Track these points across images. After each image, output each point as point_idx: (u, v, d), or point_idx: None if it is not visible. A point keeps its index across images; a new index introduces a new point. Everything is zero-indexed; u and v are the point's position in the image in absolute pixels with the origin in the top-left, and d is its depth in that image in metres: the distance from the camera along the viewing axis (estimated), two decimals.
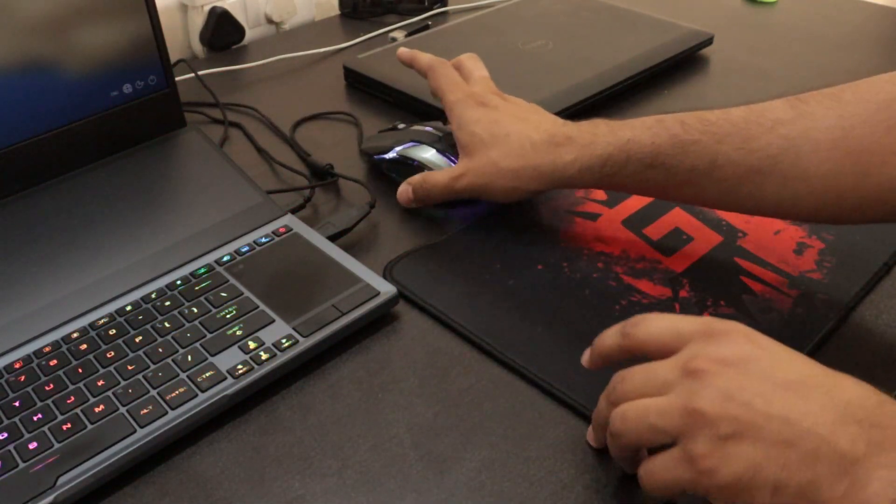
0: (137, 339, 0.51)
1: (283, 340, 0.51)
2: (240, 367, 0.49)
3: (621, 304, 0.54)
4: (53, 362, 0.50)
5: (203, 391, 0.47)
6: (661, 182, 0.54)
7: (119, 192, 0.63)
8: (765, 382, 0.36)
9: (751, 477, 0.35)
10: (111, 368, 0.49)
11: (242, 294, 0.54)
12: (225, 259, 0.57)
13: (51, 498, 0.42)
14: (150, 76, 0.67)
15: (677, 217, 0.62)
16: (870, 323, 0.53)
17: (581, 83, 0.77)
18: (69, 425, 0.46)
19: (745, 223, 0.61)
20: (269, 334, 0.51)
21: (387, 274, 0.57)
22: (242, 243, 0.59)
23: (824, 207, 0.50)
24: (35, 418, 0.46)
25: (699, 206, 0.59)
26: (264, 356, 0.50)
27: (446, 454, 0.46)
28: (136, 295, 0.55)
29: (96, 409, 0.47)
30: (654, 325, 0.41)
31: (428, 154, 0.65)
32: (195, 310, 0.53)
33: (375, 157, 0.68)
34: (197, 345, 0.51)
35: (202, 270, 0.56)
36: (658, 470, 0.38)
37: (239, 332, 0.51)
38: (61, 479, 0.43)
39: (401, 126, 0.69)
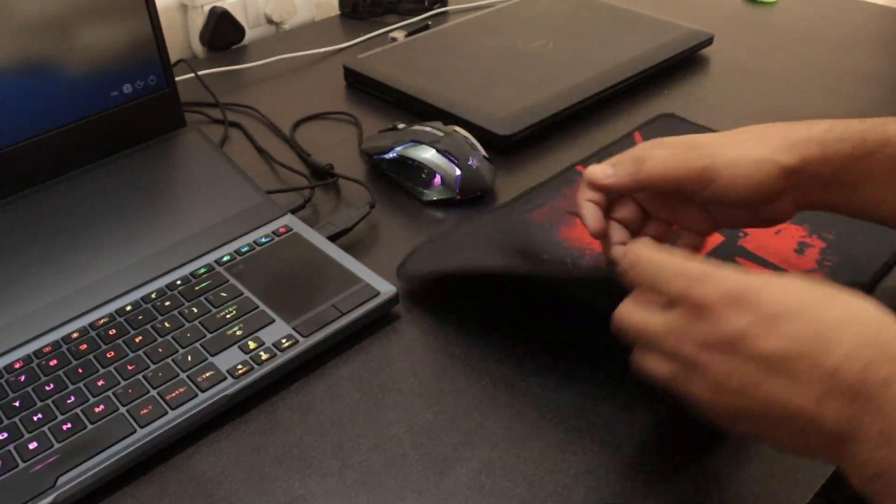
0: (137, 339, 0.51)
1: (283, 340, 0.51)
2: (240, 367, 0.49)
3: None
4: (53, 362, 0.50)
5: (203, 391, 0.47)
6: None
7: (119, 192, 0.63)
8: (751, 365, 0.36)
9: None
10: (111, 368, 0.49)
11: (242, 294, 0.54)
12: (225, 259, 0.57)
13: (51, 498, 0.42)
14: (150, 76, 0.67)
15: None
16: None
17: (581, 83, 0.77)
18: (69, 425, 0.46)
19: None
20: (269, 334, 0.51)
21: (405, 262, 0.58)
22: (242, 243, 0.59)
23: None
24: (35, 418, 0.46)
25: None
26: (264, 356, 0.49)
27: (446, 454, 0.46)
28: (136, 295, 0.55)
29: (96, 409, 0.47)
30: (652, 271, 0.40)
31: (428, 154, 0.65)
32: (195, 310, 0.53)
33: (375, 157, 0.68)
34: (197, 345, 0.51)
35: (202, 270, 0.56)
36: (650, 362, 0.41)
37: (239, 332, 0.51)
38: (61, 479, 0.43)
39: (401, 126, 0.69)
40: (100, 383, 0.48)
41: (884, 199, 0.48)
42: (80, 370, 0.49)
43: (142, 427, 0.46)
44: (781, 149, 0.47)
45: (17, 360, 0.50)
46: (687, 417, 0.42)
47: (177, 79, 0.70)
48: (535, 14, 0.92)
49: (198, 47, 0.93)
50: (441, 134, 0.66)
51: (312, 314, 0.52)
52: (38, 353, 0.51)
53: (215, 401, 0.47)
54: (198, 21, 0.91)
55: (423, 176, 0.65)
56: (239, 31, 0.93)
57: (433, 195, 0.66)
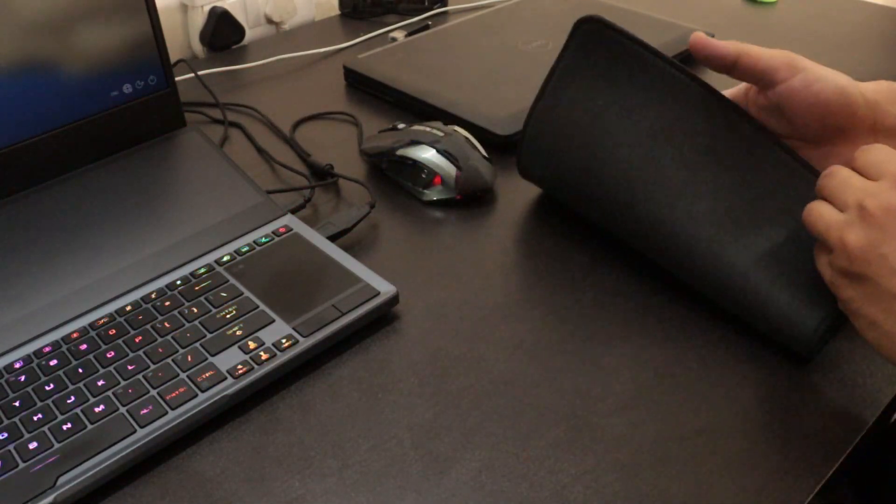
0: (137, 339, 0.51)
1: (283, 340, 0.51)
2: (240, 367, 0.49)
3: None
4: (53, 362, 0.50)
5: (203, 391, 0.47)
6: None
7: (119, 192, 0.63)
8: None
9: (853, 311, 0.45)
10: (111, 368, 0.49)
11: (242, 294, 0.54)
12: (225, 259, 0.57)
13: (51, 498, 0.42)
14: (150, 76, 0.67)
15: None
16: None
17: None
18: (69, 425, 0.46)
19: None
20: (269, 334, 0.51)
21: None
22: (242, 243, 0.59)
23: None
24: (35, 418, 0.46)
25: None
26: (264, 356, 0.50)
27: (446, 454, 0.46)
28: (136, 295, 0.55)
29: (96, 409, 0.47)
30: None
31: (428, 154, 0.65)
32: (195, 310, 0.53)
33: (375, 157, 0.68)
34: (197, 345, 0.51)
35: (202, 270, 0.56)
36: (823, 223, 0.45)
37: (239, 332, 0.51)
38: (61, 479, 0.43)
39: (401, 126, 0.69)
40: (100, 383, 0.48)
41: None
42: (80, 370, 0.49)
43: (142, 427, 0.46)
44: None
45: (17, 360, 0.50)
46: (688, 419, 0.42)
47: (177, 79, 0.70)
48: (535, 14, 0.92)
49: (198, 47, 0.93)
50: (441, 134, 0.66)
51: (312, 314, 0.52)
52: (38, 353, 0.51)
53: (215, 401, 0.47)
54: (198, 21, 0.91)
55: (423, 176, 0.65)
56: (239, 31, 0.93)
57: (433, 195, 0.66)
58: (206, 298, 0.54)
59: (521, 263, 0.59)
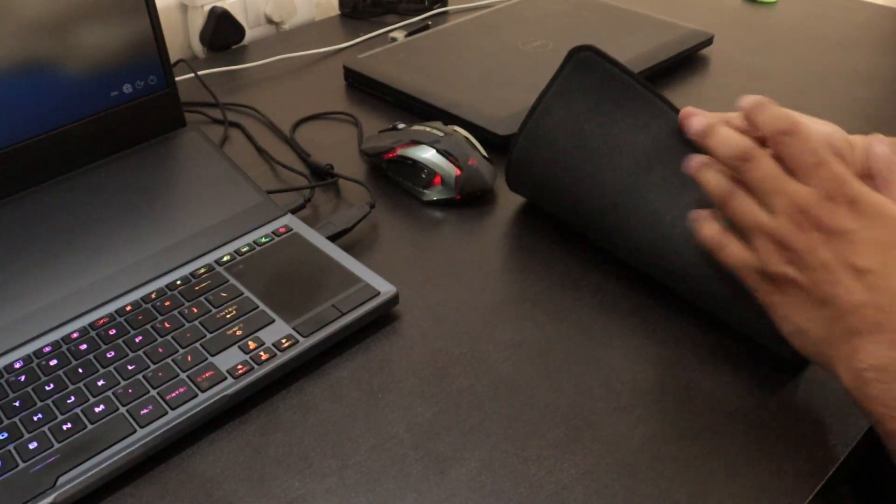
0: (137, 339, 0.51)
1: (283, 340, 0.51)
2: (240, 367, 0.49)
3: None
4: (53, 362, 0.50)
5: (203, 391, 0.47)
6: None
7: (119, 192, 0.63)
8: (841, 265, 0.42)
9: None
10: (111, 368, 0.49)
11: (242, 294, 0.54)
12: (225, 259, 0.57)
13: (51, 498, 0.42)
14: (150, 76, 0.67)
15: None
16: None
17: None
18: (69, 425, 0.46)
19: None
20: (269, 334, 0.51)
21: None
22: (242, 243, 0.59)
23: None
24: (35, 418, 0.46)
25: None
26: (264, 356, 0.50)
27: (446, 454, 0.46)
28: (136, 295, 0.55)
29: (96, 409, 0.47)
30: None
31: (428, 154, 0.65)
32: (195, 310, 0.53)
33: (375, 157, 0.68)
34: (197, 345, 0.51)
35: (202, 270, 0.56)
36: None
37: (239, 332, 0.51)
38: (61, 479, 0.43)
39: (401, 126, 0.69)
40: (100, 383, 0.48)
41: None
42: (80, 370, 0.49)
43: (142, 427, 0.46)
44: None
45: (17, 360, 0.50)
46: (687, 418, 0.42)
47: (177, 79, 0.70)
48: (535, 14, 0.92)
49: (198, 47, 0.93)
50: (441, 134, 0.66)
51: (312, 314, 0.52)
52: (38, 353, 0.51)
53: (215, 401, 0.47)
54: (198, 21, 0.91)
55: (423, 176, 0.65)
56: (239, 31, 0.93)
57: (433, 195, 0.66)
58: (206, 298, 0.54)
59: (520, 263, 0.59)
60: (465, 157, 0.64)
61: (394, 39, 0.93)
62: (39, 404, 0.47)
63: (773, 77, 0.84)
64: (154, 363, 0.49)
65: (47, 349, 0.51)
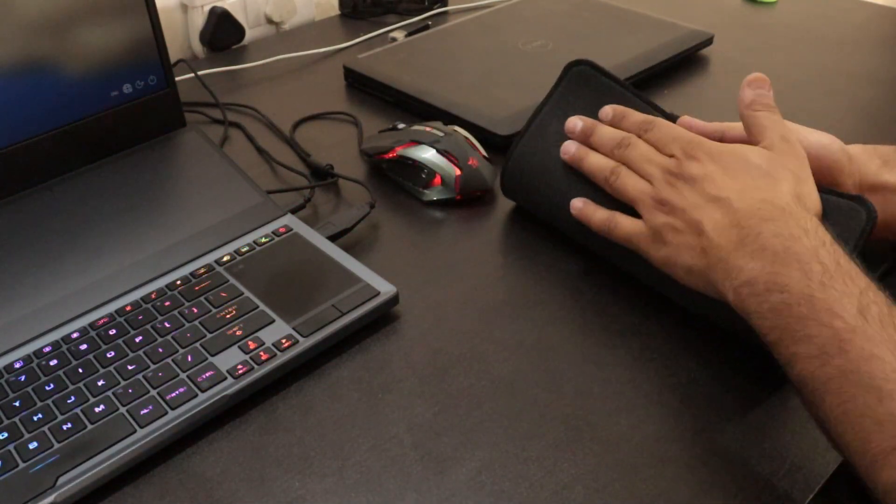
0: (137, 339, 0.51)
1: (283, 340, 0.51)
2: (240, 367, 0.49)
3: None
4: (53, 362, 0.50)
5: (203, 391, 0.47)
6: None
7: (119, 192, 0.63)
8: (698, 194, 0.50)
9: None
10: (111, 368, 0.49)
11: (242, 294, 0.54)
12: (225, 259, 0.57)
13: (51, 498, 0.42)
14: (150, 76, 0.67)
15: None
16: None
17: None
18: (69, 425, 0.46)
19: None
20: (269, 334, 0.51)
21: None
22: (242, 243, 0.59)
23: None
24: (35, 418, 0.46)
25: None
26: (264, 356, 0.49)
27: (446, 454, 0.46)
28: (136, 295, 0.55)
29: (96, 409, 0.47)
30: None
31: (428, 154, 0.65)
32: (195, 310, 0.53)
33: (375, 157, 0.68)
34: (197, 345, 0.51)
35: (202, 270, 0.56)
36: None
37: (239, 332, 0.51)
38: (61, 479, 0.43)
39: (401, 126, 0.69)
40: (100, 383, 0.48)
41: None
42: (81, 370, 0.49)
43: (142, 427, 0.46)
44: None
45: (17, 360, 0.50)
46: (687, 419, 0.42)
47: (177, 79, 0.70)
48: (535, 14, 0.92)
49: (198, 47, 0.93)
50: (441, 134, 0.66)
51: (312, 314, 0.52)
52: (38, 353, 0.51)
53: (215, 401, 0.47)
54: (198, 21, 0.91)
55: (423, 176, 0.65)
56: (239, 31, 0.93)
57: (433, 195, 0.66)
58: (206, 298, 0.54)
59: (520, 263, 0.59)
60: (465, 157, 0.64)
61: (394, 39, 0.92)
62: (39, 404, 0.47)
63: (773, 77, 0.83)
64: (154, 363, 0.49)
65: (47, 349, 0.51)
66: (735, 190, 0.48)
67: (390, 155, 0.67)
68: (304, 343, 0.51)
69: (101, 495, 0.44)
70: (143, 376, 0.49)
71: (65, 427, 0.46)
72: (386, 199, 0.66)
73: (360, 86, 0.83)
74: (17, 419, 0.47)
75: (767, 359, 0.51)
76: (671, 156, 0.52)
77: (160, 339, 0.51)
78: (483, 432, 0.47)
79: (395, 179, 0.68)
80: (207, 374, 0.48)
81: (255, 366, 0.49)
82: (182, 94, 0.70)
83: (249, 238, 0.59)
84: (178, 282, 0.55)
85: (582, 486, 0.44)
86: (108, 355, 0.50)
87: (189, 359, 0.50)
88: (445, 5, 1.03)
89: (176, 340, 0.51)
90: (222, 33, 0.92)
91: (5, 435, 0.46)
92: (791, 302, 0.43)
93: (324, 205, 0.66)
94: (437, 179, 0.65)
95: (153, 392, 0.48)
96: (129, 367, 0.49)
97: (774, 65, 0.86)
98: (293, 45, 0.93)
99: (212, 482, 0.45)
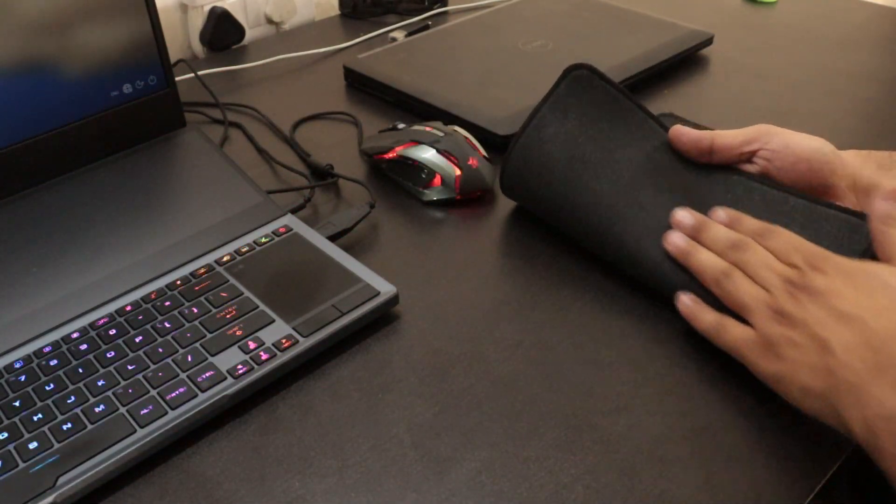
0: (137, 339, 0.51)
1: (283, 340, 0.51)
2: (240, 367, 0.49)
3: None
4: (53, 362, 0.50)
5: (203, 391, 0.47)
6: None
7: (119, 192, 0.63)
8: (826, 311, 0.45)
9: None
10: (111, 368, 0.49)
11: (242, 294, 0.54)
12: (225, 259, 0.57)
13: (51, 498, 0.42)
14: (150, 76, 0.67)
15: None
16: None
17: None
18: (69, 425, 0.46)
19: None
20: (269, 334, 0.51)
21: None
22: (242, 243, 0.59)
23: None
24: (35, 418, 0.46)
25: None
26: (264, 356, 0.50)
27: (446, 454, 0.46)
28: (136, 295, 0.55)
29: (96, 409, 0.47)
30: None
31: (428, 154, 0.65)
32: (195, 310, 0.53)
33: (375, 157, 0.68)
34: (197, 345, 0.51)
35: (202, 270, 0.56)
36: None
37: (239, 332, 0.51)
38: (61, 479, 0.43)
39: (401, 126, 0.69)
40: (100, 383, 0.48)
41: None
42: (81, 370, 0.49)
43: (142, 427, 0.46)
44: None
45: (17, 360, 0.50)
46: (686, 419, 0.42)
47: (177, 79, 0.70)
48: (535, 14, 0.92)
49: (198, 47, 0.93)
50: (441, 134, 0.66)
51: (312, 314, 0.52)
52: (38, 353, 0.51)
53: (215, 401, 0.47)
54: (198, 21, 0.91)
55: (423, 176, 0.65)
56: (239, 31, 0.93)
57: (433, 195, 0.66)
58: (206, 298, 0.54)
59: (520, 263, 0.59)
60: (465, 157, 0.64)
61: (394, 39, 0.93)
62: (39, 404, 0.47)
63: (772, 77, 0.84)
64: (154, 363, 0.49)
65: (47, 349, 0.51)
66: (869, 309, 0.43)
67: (390, 155, 0.67)
68: (304, 343, 0.51)
69: (101, 495, 0.44)
70: (143, 376, 0.49)
71: (65, 427, 0.46)
72: (386, 199, 0.66)
73: (360, 86, 0.83)
74: (17, 419, 0.47)
75: None
76: (792, 265, 0.48)
77: (160, 339, 0.51)
78: (483, 432, 0.47)
79: (395, 179, 0.68)
80: (207, 374, 0.48)
81: (255, 366, 0.49)
82: (182, 94, 0.70)
83: (249, 238, 0.59)
84: (178, 282, 0.55)
85: (582, 486, 0.44)
86: (108, 355, 0.50)
87: (189, 359, 0.50)
88: (445, 5, 1.03)
89: (176, 340, 0.51)
90: (222, 33, 0.92)
91: (5, 435, 0.46)
92: None
93: (324, 205, 0.66)
94: (437, 179, 0.65)
95: (153, 392, 0.48)
96: (129, 367, 0.49)
97: (774, 65, 0.86)
98: (293, 45, 0.93)
99: (212, 482, 0.45)
